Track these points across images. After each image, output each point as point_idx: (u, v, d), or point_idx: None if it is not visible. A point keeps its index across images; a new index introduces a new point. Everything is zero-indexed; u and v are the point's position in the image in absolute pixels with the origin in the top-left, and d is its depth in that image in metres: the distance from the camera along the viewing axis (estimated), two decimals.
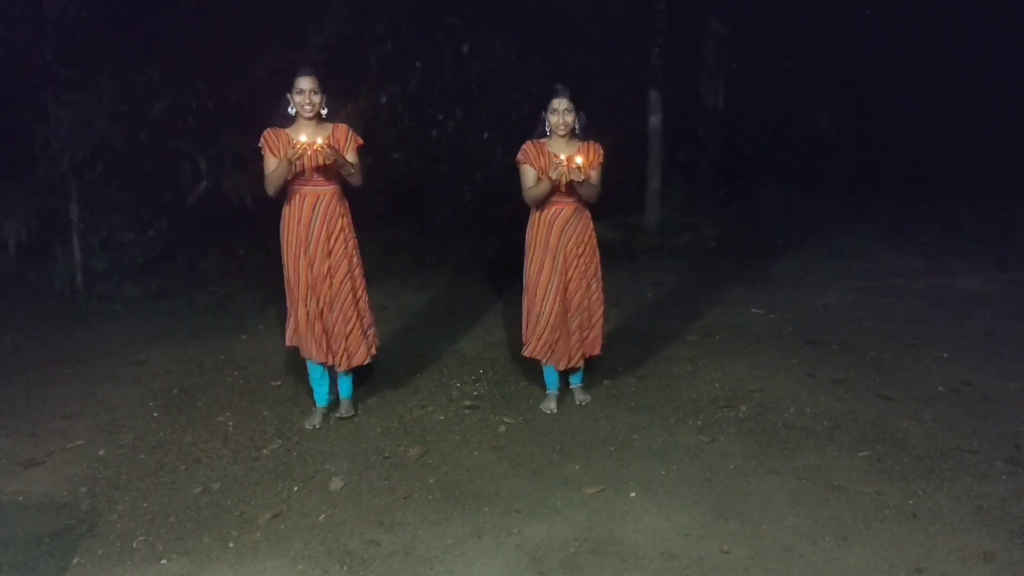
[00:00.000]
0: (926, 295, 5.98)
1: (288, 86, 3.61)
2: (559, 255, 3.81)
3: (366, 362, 3.89)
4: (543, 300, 3.85)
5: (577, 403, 4.01)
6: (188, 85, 6.09)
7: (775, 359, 4.63)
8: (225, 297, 6.06)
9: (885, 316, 5.46)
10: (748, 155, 9.56)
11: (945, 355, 4.66)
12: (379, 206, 7.29)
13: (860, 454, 3.45)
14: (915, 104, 10.06)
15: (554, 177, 3.61)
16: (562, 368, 3.96)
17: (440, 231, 7.65)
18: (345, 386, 3.96)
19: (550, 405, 4.00)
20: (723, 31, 9.25)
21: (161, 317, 5.65)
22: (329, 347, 3.78)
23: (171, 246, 6.47)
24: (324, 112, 3.63)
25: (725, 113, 9.67)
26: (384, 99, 7.06)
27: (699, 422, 3.81)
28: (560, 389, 4.06)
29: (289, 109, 3.60)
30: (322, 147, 3.47)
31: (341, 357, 3.79)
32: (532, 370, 4.28)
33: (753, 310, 5.67)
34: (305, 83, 3.55)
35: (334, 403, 3.98)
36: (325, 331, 3.75)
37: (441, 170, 7.50)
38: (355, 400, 4.00)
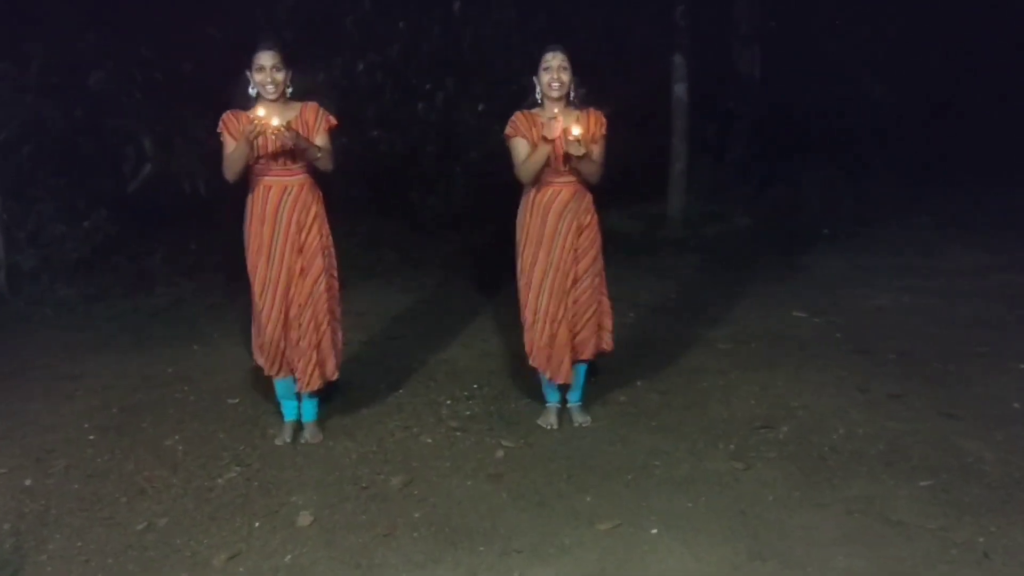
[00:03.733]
0: (997, 296, 5.96)
1: (249, 59, 3.60)
2: (556, 244, 3.80)
3: (334, 377, 3.89)
4: (538, 297, 3.85)
5: (575, 425, 4.00)
6: (133, 52, 6.08)
7: (821, 371, 4.62)
8: (175, 301, 6.06)
9: (949, 320, 5.45)
10: (789, 132, 9.54)
11: (1021, 366, 4.65)
12: (357, 194, 7.30)
13: (921, 483, 3.43)
14: (987, 75, 10.03)
15: (549, 137, 3.58)
16: (560, 381, 3.94)
17: (429, 222, 7.65)
18: (310, 408, 3.93)
19: (549, 419, 4.01)
20: None
21: (100, 324, 5.65)
22: (286, 360, 3.77)
23: (111, 241, 6.47)
24: (290, 91, 3.66)
25: (762, 82, 9.66)
26: (362, 67, 7.06)
27: (732, 446, 3.80)
28: (561, 405, 4.05)
29: (250, 89, 3.62)
30: (279, 129, 3.45)
31: (310, 373, 3.77)
32: (535, 384, 4.26)
33: (795, 313, 5.66)
34: (266, 59, 3.56)
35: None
36: (290, 341, 3.75)
37: (429, 151, 7.50)
38: (322, 422, 3.98)
